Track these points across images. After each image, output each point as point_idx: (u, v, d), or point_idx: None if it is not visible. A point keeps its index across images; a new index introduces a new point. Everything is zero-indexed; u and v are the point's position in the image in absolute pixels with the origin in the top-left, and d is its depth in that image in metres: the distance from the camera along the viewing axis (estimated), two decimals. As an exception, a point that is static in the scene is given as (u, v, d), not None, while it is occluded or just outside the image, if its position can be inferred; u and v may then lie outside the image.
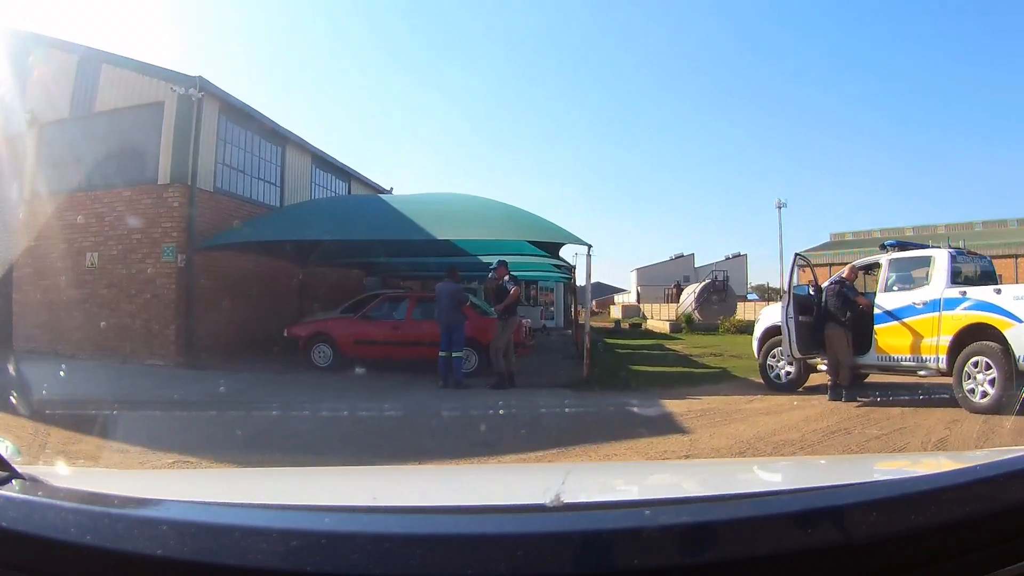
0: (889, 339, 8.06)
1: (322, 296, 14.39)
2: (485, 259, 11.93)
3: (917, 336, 7.82)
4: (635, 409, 7.61)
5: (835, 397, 8.01)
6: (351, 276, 17.04)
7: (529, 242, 11.39)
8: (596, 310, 54.21)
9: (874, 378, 9.24)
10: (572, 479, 1.47)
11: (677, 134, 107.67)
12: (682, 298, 35.84)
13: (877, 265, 8.63)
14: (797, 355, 8.41)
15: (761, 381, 9.31)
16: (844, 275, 8.61)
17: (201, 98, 11.16)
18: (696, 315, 29.82)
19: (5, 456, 0.91)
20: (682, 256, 66.15)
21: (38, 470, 1.04)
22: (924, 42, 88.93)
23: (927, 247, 9.01)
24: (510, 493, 1.46)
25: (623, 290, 69.10)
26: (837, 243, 51.34)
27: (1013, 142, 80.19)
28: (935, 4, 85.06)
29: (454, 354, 9.19)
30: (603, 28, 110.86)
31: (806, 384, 9.01)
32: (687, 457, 5.23)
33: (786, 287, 8.35)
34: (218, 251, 11.43)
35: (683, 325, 27.64)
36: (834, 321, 8.21)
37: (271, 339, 11.42)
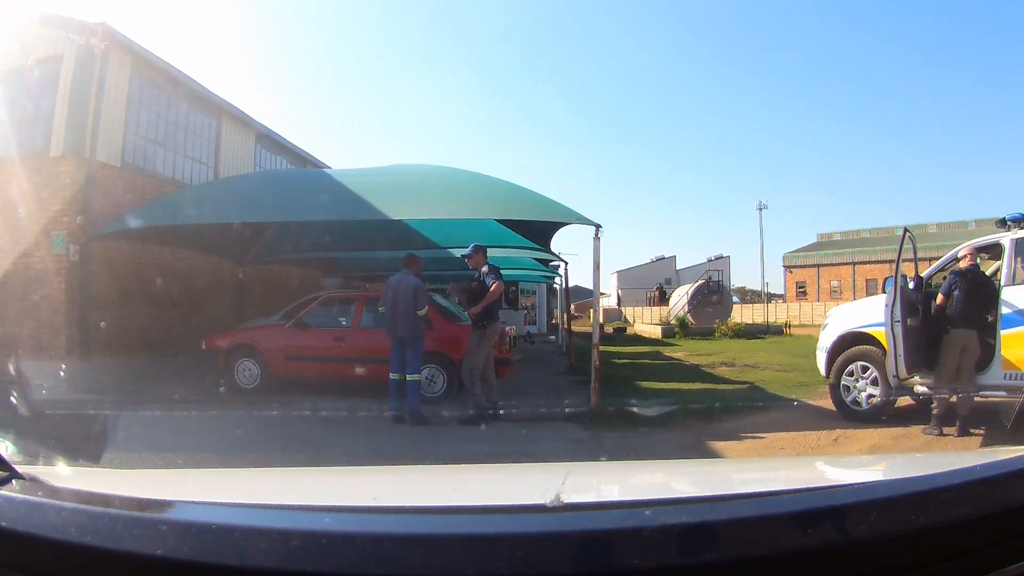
0: (1022, 349, 5.98)
1: (267, 300, 12.30)
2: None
3: None
4: (679, 462, 5.45)
5: (938, 431, 5.97)
6: (307, 276, 14.61)
7: (515, 230, 9.28)
8: (577, 314, 53.96)
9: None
10: (572, 479, 1.47)
11: (658, 135, 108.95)
12: (672, 300, 35.12)
13: (997, 247, 6.50)
14: (904, 374, 6.04)
15: (819, 404, 7.30)
16: (961, 259, 6.42)
17: (106, 50, 8.97)
18: (690, 318, 28.97)
19: (5, 456, 0.91)
20: (663, 258, 66.00)
21: (38, 470, 1.04)
22: (902, 43, 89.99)
23: None
24: (510, 493, 1.46)
25: (603, 293, 68.92)
26: (825, 243, 51.35)
27: (993, 144, 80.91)
28: (919, 3, 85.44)
29: (409, 377, 6.74)
30: (578, 27, 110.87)
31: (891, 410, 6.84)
32: None
33: (892, 280, 6.22)
34: (124, 243, 9.12)
35: (676, 329, 26.53)
36: (956, 324, 6.10)
37: (193, 353, 9.19)
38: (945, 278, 6.46)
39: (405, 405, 6.70)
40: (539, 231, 9.55)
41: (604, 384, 8.27)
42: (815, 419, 6.95)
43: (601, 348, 7.72)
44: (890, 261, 7.74)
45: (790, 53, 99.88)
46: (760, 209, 44.96)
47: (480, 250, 7.02)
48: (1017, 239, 6.26)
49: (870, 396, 6.68)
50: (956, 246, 6.81)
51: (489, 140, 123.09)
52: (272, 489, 1.50)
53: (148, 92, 10.34)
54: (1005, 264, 6.24)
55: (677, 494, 1.44)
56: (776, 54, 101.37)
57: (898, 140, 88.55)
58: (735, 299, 46.04)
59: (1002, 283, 6.20)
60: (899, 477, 1.02)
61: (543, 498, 0.97)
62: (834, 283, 45.59)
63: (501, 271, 7.12)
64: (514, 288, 20.93)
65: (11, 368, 7.79)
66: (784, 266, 49.65)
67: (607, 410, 7.03)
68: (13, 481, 0.86)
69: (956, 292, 6.18)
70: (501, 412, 6.80)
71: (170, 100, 10.91)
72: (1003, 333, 6.05)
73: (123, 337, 9.27)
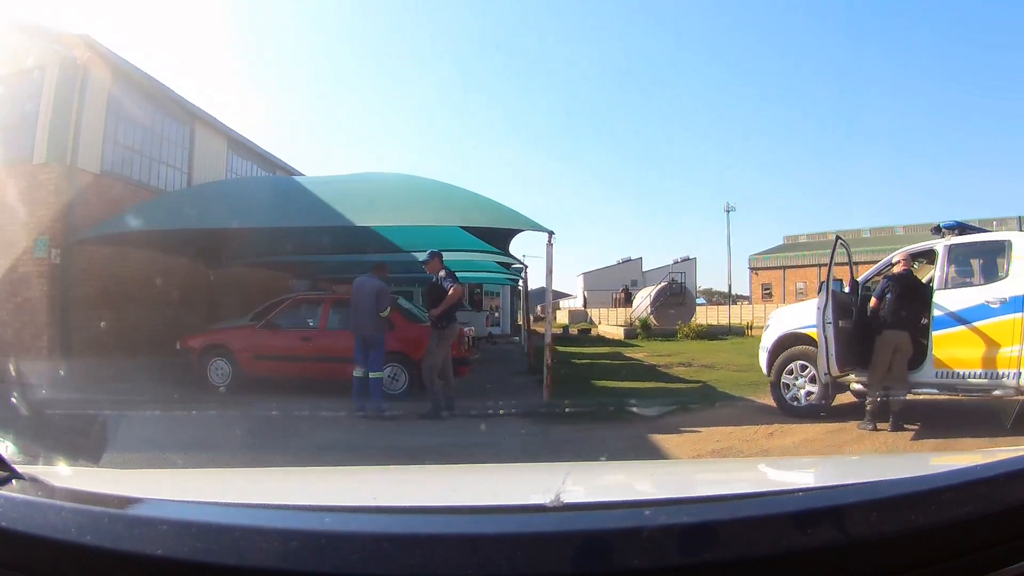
0: (952, 349, 6.28)
1: (240, 301, 12.48)
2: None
3: (991, 345, 6.12)
4: (625, 454, 6.02)
5: (871, 426, 6.30)
6: (277, 278, 14.87)
7: (474, 235, 9.60)
8: (541, 315, 53.85)
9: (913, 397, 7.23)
10: (572, 479, 1.47)
11: (628, 135, 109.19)
12: (636, 302, 35.31)
13: (931, 253, 6.82)
14: (836, 372, 6.34)
15: (764, 402, 7.60)
16: (895, 264, 6.79)
17: (88, 61, 9.31)
18: (652, 320, 29.26)
19: (5, 456, 0.91)
20: (629, 260, 65.92)
21: (38, 470, 1.04)
22: (874, 45, 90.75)
23: (988, 231, 7.33)
24: (510, 493, 1.46)
25: (569, 295, 68.95)
26: (791, 245, 51.50)
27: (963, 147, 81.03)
28: (891, 6, 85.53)
29: (372, 374, 7.21)
30: (550, 27, 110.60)
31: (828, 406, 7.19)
32: None
33: (824, 282, 6.57)
34: (104, 246, 9.48)
35: (639, 331, 26.83)
36: (888, 326, 6.43)
37: (169, 354, 9.47)
38: (879, 282, 6.82)
39: (369, 401, 7.11)
40: (498, 236, 9.91)
41: (562, 383, 9.01)
42: (756, 415, 7.29)
43: (564, 349, 8.74)
44: (855, 263, 7.98)
45: (761, 54, 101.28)
46: (728, 211, 45.23)
47: (436, 256, 7.45)
48: (950, 245, 6.62)
49: (808, 393, 7.06)
50: (895, 250, 7.16)
51: (463, 140, 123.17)
52: (272, 489, 1.50)
53: (125, 101, 10.64)
54: (938, 269, 6.58)
55: (677, 494, 1.44)
56: (747, 55, 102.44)
57: (866, 143, 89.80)
58: (701, 301, 46.25)
59: (935, 287, 6.54)
60: (899, 477, 1.02)
61: (543, 498, 0.97)
62: (799, 285, 45.50)
63: (458, 274, 7.65)
64: (478, 290, 21.52)
65: (11, 369, 7.82)
66: (750, 268, 49.61)
67: (558, 406, 7.46)
68: (13, 481, 0.86)
69: (889, 296, 6.50)
70: (458, 408, 7.12)
71: (146, 108, 11.26)
72: (935, 334, 6.39)
73: (102, 338, 9.42)
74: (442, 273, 7.31)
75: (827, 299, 6.29)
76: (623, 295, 41.58)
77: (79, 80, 9.30)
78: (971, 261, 6.72)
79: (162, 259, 10.92)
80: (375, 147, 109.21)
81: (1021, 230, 6.96)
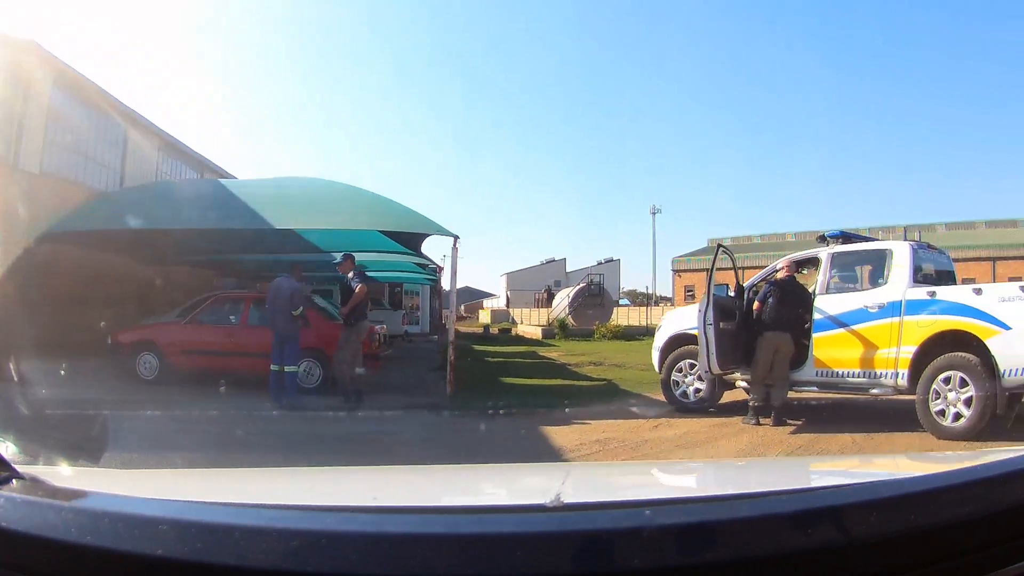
0: (832, 350, 6.69)
1: (169, 299, 12.53)
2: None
3: (869, 346, 6.50)
4: (512, 441, 6.36)
5: (755, 420, 6.74)
6: (206, 277, 15.20)
7: (390, 237, 10.04)
8: (465, 315, 54.96)
9: (798, 395, 7.62)
10: (572, 479, 1.47)
11: (550, 137, 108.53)
12: (555, 303, 35.61)
13: (815, 261, 7.21)
14: (716, 370, 6.78)
15: (661, 399, 7.86)
16: (780, 271, 7.17)
17: (32, 65, 9.58)
18: (570, 320, 29.55)
19: (5, 456, 0.91)
20: (553, 261, 66.21)
21: (38, 470, 1.04)
22: (800, 47, 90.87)
23: (875, 240, 7.78)
24: (510, 493, 1.46)
25: (493, 295, 68.88)
26: (714, 248, 50.86)
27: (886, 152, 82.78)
28: (822, 12, 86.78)
29: (287, 368, 7.74)
30: (480, 29, 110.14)
31: (718, 403, 7.64)
32: None
33: (706, 286, 6.97)
34: (43, 246, 9.62)
35: (556, 331, 27.26)
36: (769, 328, 6.82)
37: (100, 350, 9.63)
38: (763, 287, 7.27)
39: (285, 394, 7.63)
40: (412, 238, 10.52)
41: (473, 380, 9.73)
42: (648, 409, 7.75)
43: (481, 348, 9.62)
44: (742, 268, 8.36)
45: (685, 57, 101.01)
46: (654, 213, 45.67)
47: (349, 258, 8.12)
48: (833, 253, 7.04)
49: (697, 390, 7.52)
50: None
51: (392, 140, 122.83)
52: (272, 489, 1.50)
53: (65, 103, 11.14)
54: (821, 275, 7.00)
55: (677, 494, 1.44)
56: (670, 58, 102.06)
57: (793, 148, 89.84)
58: (625, 302, 46.27)
59: (817, 292, 6.96)
60: (899, 477, 1.02)
61: (543, 498, 0.97)
62: (723, 287, 45.01)
63: (378, 274, 8.50)
64: (398, 290, 22.37)
65: (12, 369, 7.80)
66: (673, 270, 49.48)
67: (460, 400, 8.02)
68: (13, 481, 0.86)
69: (771, 300, 6.91)
70: (367, 400, 7.68)
71: (84, 110, 11.73)
72: (816, 336, 6.81)
73: (38, 337, 9.46)
74: (351, 274, 7.94)
75: (707, 302, 6.75)
76: (545, 295, 41.74)
77: (24, 83, 9.51)
78: (853, 268, 7.09)
79: (97, 258, 11.12)
80: (306, 148, 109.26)
81: (906, 239, 7.20)
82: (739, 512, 0.80)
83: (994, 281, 35.37)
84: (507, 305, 55.01)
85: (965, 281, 7.99)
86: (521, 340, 25.80)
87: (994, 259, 38.16)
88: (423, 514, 1.13)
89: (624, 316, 35.76)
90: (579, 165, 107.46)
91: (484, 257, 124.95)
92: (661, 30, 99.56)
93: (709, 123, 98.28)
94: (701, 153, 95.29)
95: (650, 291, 50.48)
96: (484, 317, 48.27)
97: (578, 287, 34.13)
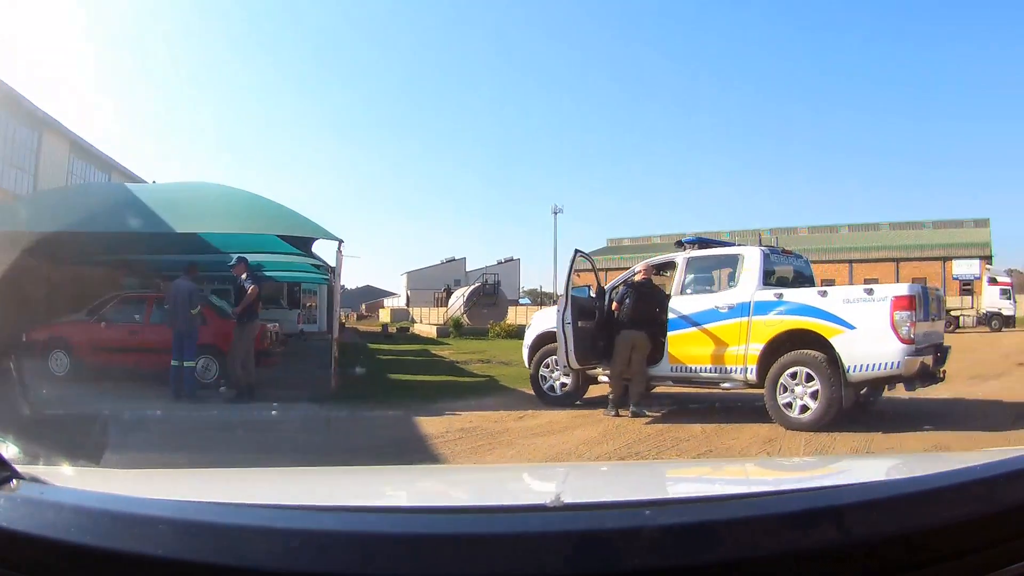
0: (686, 347, 7.13)
1: (78, 299, 12.71)
2: (251, 257, 10.70)
3: (720, 344, 6.93)
4: (384, 429, 6.81)
5: (614, 412, 7.21)
6: (112, 277, 15.53)
7: (284, 239, 10.57)
8: (366, 314, 55.33)
9: (664, 389, 8.30)
10: (572, 479, 1.47)
11: (459, 135, 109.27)
12: (451, 302, 35.81)
13: (672, 264, 7.64)
14: (575, 365, 7.30)
15: (533, 393, 8.31)
16: (637, 274, 7.61)
17: None
18: (465, 319, 29.82)
19: (5, 456, 0.91)
20: (453, 260, 67.13)
21: (38, 470, 1.04)
22: (692, 57, 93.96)
23: (732, 244, 8.24)
24: (510, 493, 1.46)
25: (393, 294, 69.32)
26: (614, 248, 52.19)
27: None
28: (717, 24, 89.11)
29: (186, 363, 8.37)
30: (377, 31, 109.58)
31: (585, 396, 8.12)
32: None
33: (563, 289, 7.42)
34: None
35: (451, 330, 27.53)
36: (626, 326, 7.27)
37: (14, 346, 9.85)
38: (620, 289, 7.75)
39: (184, 387, 8.26)
40: (303, 240, 11.09)
41: (360, 377, 10.55)
42: (519, 402, 8.28)
43: (377, 346, 10.38)
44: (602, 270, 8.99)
45: (584, 62, 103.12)
46: (555, 213, 45.92)
47: (242, 261, 8.86)
48: (689, 258, 7.52)
49: (563, 384, 8.04)
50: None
51: (284, 139, 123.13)
52: (272, 489, 1.50)
53: None
54: (677, 278, 7.45)
55: (677, 494, 1.44)
56: (570, 63, 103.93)
57: (692, 150, 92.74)
58: (526, 301, 46.16)
59: (673, 294, 7.43)
60: (899, 477, 1.02)
61: (543, 498, 0.97)
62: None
63: (277, 274, 9.03)
64: (296, 289, 22.96)
65: (12, 369, 7.85)
66: (573, 270, 49.45)
67: (344, 393, 8.68)
68: (13, 481, 0.86)
69: (628, 300, 7.36)
70: (258, 393, 8.35)
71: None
72: (671, 334, 7.26)
73: None
74: (244, 276, 8.66)
75: (566, 303, 7.27)
76: (444, 294, 41.96)
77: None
78: (708, 272, 7.56)
79: (9, 260, 11.13)
80: (202, 150, 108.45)
81: (760, 244, 7.50)
82: (739, 512, 0.80)
83: (850, 283, 36.36)
84: (407, 304, 55.76)
85: (825, 282, 8.51)
86: (417, 339, 26.30)
87: (897, 260, 41.72)
88: (423, 514, 1.13)
89: (522, 315, 36.02)
90: (483, 165, 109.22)
91: (387, 256, 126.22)
92: (561, 31, 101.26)
93: (610, 126, 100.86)
94: (602, 156, 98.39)
95: (549, 290, 50.90)
96: (384, 316, 48.46)
97: (473, 287, 34.56)
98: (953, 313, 30.39)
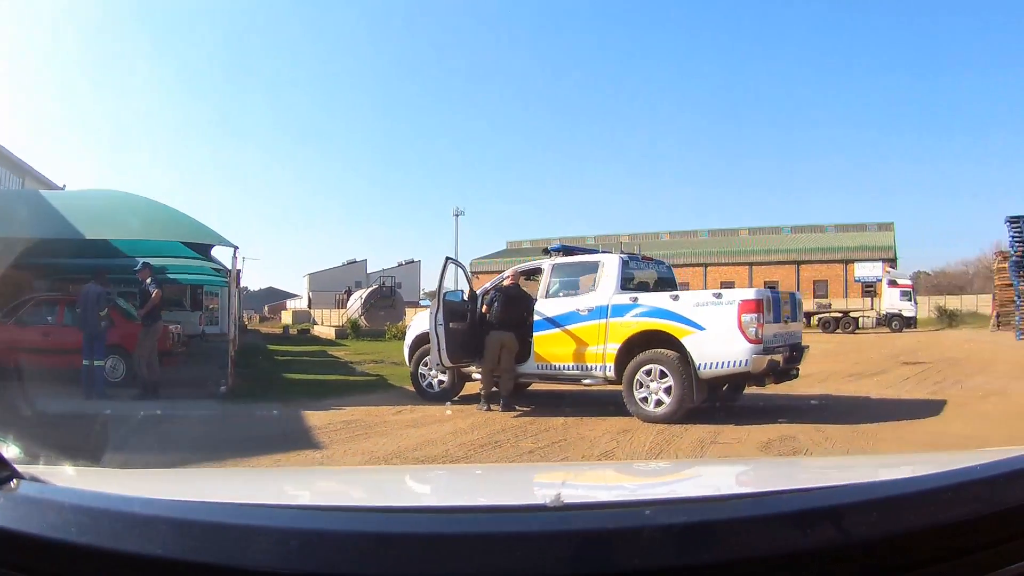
0: (550, 347, 7.69)
1: None
2: (155, 261, 11.27)
3: (581, 343, 7.48)
4: (274, 422, 7.32)
5: (486, 407, 7.70)
6: (24, 280, 15.59)
7: (186, 243, 11.03)
8: (268, 315, 55.59)
9: (540, 387, 8.91)
10: (572, 479, 1.47)
11: (353, 136, 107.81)
12: (349, 304, 36.02)
13: (538, 270, 8.22)
14: (447, 363, 7.85)
15: (414, 390, 8.88)
16: (506, 279, 8.20)
17: None
18: (363, 321, 29.99)
19: (6, 456, 0.91)
20: (355, 262, 67.24)
21: (38, 470, 1.04)
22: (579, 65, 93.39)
23: (594, 252, 8.74)
24: (510, 493, 1.46)
25: (296, 295, 69.31)
26: (513, 250, 52.80)
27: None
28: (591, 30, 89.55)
29: (96, 362, 8.82)
30: (271, 33, 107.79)
31: (463, 394, 8.57)
32: None
33: (436, 292, 8.06)
34: None
35: (349, 331, 27.87)
36: (495, 328, 7.80)
37: None
38: (490, 292, 8.31)
39: (94, 385, 8.68)
40: (204, 246, 11.70)
41: (259, 376, 11.24)
42: (402, 399, 8.81)
43: (276, 347, 10.28)
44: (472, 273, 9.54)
45: (471, 71, 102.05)
46: (456, 215, 45.94)
47: (147, 266, 9.35)
48: (553, 264, 8.07)
49: (440, 381, 8.55)
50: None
51: (192, 144, 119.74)
52: (272, 489, 1.50)
53: None
54: (542, 283, 7.99)
55: (677, 494, 1.44)
56: (457, 72, 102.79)
57: (586, 159, 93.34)
58: (426, 302, 45.91)
59: (539, 297, 7.94)
60: (899, 477, 1.01)
61: (543, 498, 0.97)
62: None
63: (180, 277, 9.38)
64: (199, 291, 23.41)
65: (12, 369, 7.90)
66: (471, 272, 49.83)
67: (241, 391, 9.17)
68: (13, 481, 0.86)
69: (496, 304, 7.89)
70: (161, 391, 8.84)
71: None
72: (536, 335, 7.79)
73: None
74: (148, 280, 9.15)
75: (438, 306, 7.79)
76: (345, 296, 42.08)
77: None
78: (571, 277, 8.04)
79: None
80: (117, 154, 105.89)
81: (622, 251, 8.22)
82: (739, 512, 0.80)
83: (705, 287, 38.36)
84: (309, 306, 55.75)
85: (682, 286, 9.13)
86: (317, 340, 26.73)
87: (798, 263, 43.68)
88: (423, 514, 1.13)
89: (421, 316, 36.39)
90: (386, 168, 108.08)
91: (291, 258, 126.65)
92: (467, 28, 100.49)
93: (507, 133, 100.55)
94: (501, 161, 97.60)
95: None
96: (287, 318, 48.65)
97: (371, 289, 34.92)
98: (853, 315, 31.88)
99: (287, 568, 0.69)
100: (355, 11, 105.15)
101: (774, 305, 7.12)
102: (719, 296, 7.12)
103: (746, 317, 6.74)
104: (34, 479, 0.92)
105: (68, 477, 1.26)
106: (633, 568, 0.70)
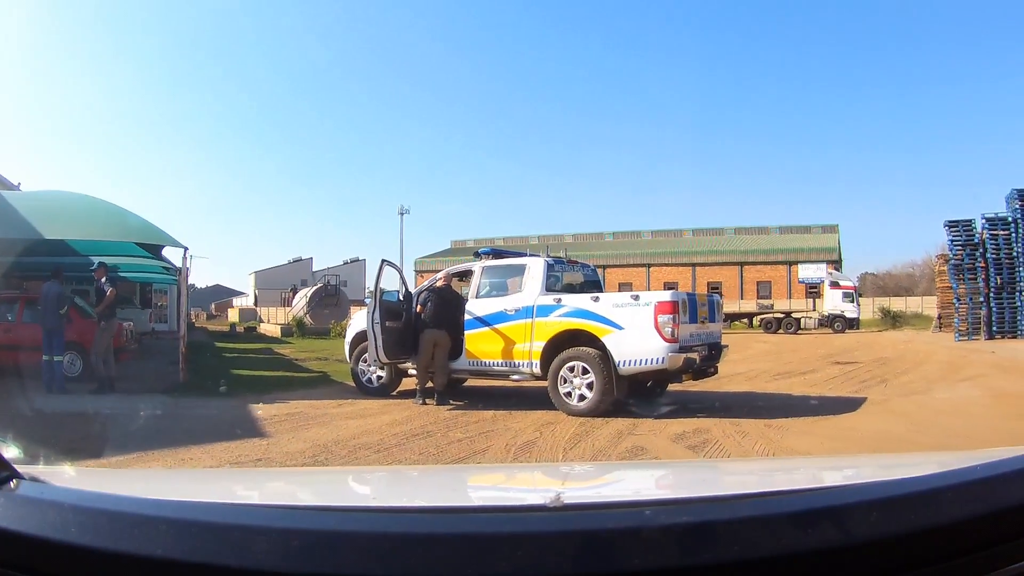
0: (480, 344, 8.10)
1: None
2: (108, 260, 11.64)
3: (509, 342, 7.90)
4: (223, 414, 7.61)
5: (422, 401, 8.11)
6: None
7: (138, 243, 11.41)
8: (215, 313, 55.68)
9: (474, 383, 9.33)
10: (572, 479, 1.47)
11: (298, 134, 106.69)
12: (295, 302, 36.20)
13: (470, 272, 8.67)
14: (384, 360, 8.32)
15: (355, 385, 9.30)
16: (439, 281, 8.65)
17: None
18: (308, 319, 30.21)
19: (6, 456, 0.91)
20: (300, 260, 67.55)
21: (38, 470, 1.04)
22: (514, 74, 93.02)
23: (524, 255, 9.09)
24: (510, 493, 1.46)
25: (242, 293, 69.33)
26: (457, 250, 53.59)
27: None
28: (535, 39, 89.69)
29: (55, 358, 9.19)
30: (224, 34, 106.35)
31: (400, 389, 9.00)
32: (259, 461, 5.33)
33: (373, 292, 8.55)
34: None
35: (295, 329, 28.17)
36: (429, 326, 8.18)
37: None
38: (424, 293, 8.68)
39: (54, 380, 9.06)
40: (155, 246, 12.30)
41: (208, 372, 11.59)
42: (343, 393, 9.26)
43: (223, 344, 10.86)
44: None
45: (417, 68, 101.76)
46: (401, 214, 46.43)
47: (102, 266, 9.90)
48: (484, 267, 8.48)
49: (379, 377, 8.96)
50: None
51: (145, 142, 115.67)
52: (272, 489, 1.50)
53: None
54: (473, 284, 8.40)
55: (677, 494, 1.44)
56: (400, 73, 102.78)
57: (526, 163, 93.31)
58: (369, 301, 45.72)
59: (470, 297, 8.34)
60: (899, 477, 1.01)
61: (543, 498, 0.97)
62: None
63: (131, 275, 9.88)
64: (149, 289, 23.77)
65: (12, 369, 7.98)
66: (415, 270, 50.61)
67: (191, 386, 9.64)
68: (13, 481, 0.86)
69: (430, 303, 8.26)
70: (116, 385, 9.25)
71: None
72: (468, 333, 8.17)
73: None
74: (103, 279, 9.60)
75: (375, 305, 8.20)
76: (291, 294, 42.19)
77: None
78: (501, 279, 8.42)
79: None
80: (70, 153, 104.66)
81: (548, 254, 8.57)
82: (739, 512, 0.80)
83: (648, 287, 39.13)
84: (255, 304, 56.18)
85: (622, 287, 10.45)
86: (263, 338, 27.12)
87: (741, 264, 44.94)
88: (423, 514, 1.13)
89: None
90: (331, 166, 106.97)
91: (238, 256, 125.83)
92: (410, 26, 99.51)
93: (451, 135, 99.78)
94: (446, 162, 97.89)
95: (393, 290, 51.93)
96: (233, 316, 48.82)
97: (315, 287, 35.14)
98: (795, 315, 32.46)
99: (288, 568, 0.69)
100: (296, 9, 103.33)
101: (690, 307, 7.56)
102: (636, 298, 7.55)
103: (662, 318, 7.15)
104: (34, 479, 0.92)
105: (68, 477, 1.26)
106: (633, 568, 0.70)
